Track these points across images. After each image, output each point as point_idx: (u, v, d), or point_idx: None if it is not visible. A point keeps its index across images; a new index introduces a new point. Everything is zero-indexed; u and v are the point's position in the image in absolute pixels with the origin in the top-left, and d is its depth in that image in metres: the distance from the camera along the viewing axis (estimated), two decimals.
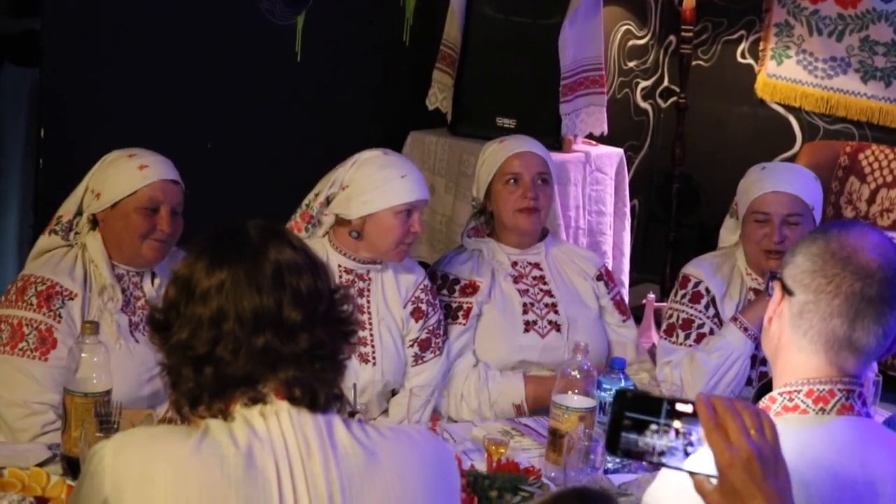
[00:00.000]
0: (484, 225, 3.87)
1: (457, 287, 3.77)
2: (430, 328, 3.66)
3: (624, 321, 3.89)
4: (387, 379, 3.57)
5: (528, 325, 3.75)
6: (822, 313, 2.02)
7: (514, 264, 3.81)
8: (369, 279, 3.59)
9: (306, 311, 1.95)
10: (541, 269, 3.84)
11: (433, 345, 3.65)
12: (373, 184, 3.48)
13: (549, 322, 3.73)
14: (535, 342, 3.71)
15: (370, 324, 3.55)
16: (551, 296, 3.80)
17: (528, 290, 3.79)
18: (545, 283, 3.82)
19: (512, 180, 3.75)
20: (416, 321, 3.64)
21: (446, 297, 3.76)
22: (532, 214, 3.75)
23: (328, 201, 3.56)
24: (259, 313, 1.92)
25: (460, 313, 3.75)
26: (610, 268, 4.49)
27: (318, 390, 1.94)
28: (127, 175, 3.25)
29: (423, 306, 3.65)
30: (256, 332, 1.91)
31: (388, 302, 3.62)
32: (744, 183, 3.75)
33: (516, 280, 3.79)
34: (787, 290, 2.06)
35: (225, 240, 2.01)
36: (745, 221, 3.68)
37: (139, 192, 3.23)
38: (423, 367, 3.63)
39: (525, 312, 3.76)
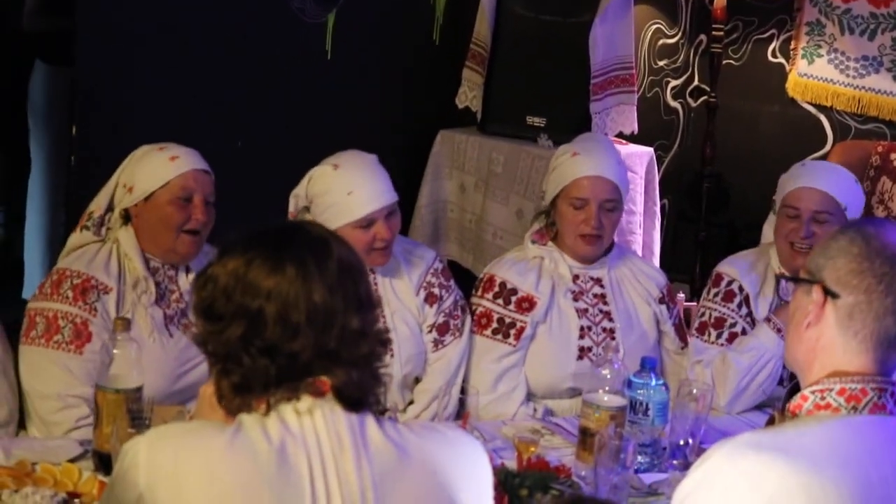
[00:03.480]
0: (547, 228, 3.74)
1: (513, 299, 3.66)
2: (447, 311, 3.64)
3: (682, 348, 3.81)
4: (406, 370, 3.57)
5: (583, 352, 3.65)
6: (875, 313, 2.02)
7: (576, 278, 3.70)
8: (375, 273, 3.58)
9: (365, 316, 1.95)
10: (602, 287, 3.73)
11: (451, 327, 3.63)
12: (325, 204, 3.45)
13: (605, 347, 3.53)
14: (588, 370, 3.46)
15: (383, 316, 3.54)
16: (610, 319, 3.70)
17: (587, 311, 3.68)
18: (605, 304, 3.71)
19: (579, 205, 3.62)
20: (431, 306, 3.63)
21: (500, 307, 3.66)
22: (594, 241, 3.65)
23: (306, 210, 3.56)
24: (329, 309, 1.92)
25: (512, 332, 3.65)
26: None
27: (366, 395, 1.95)
28: (159, 167, 3.26)
29: (436, 290, 3.64)
30: (325, 328, 1.91)
31: (400, 293, 3.60)
32: (783, 178, 3.76)
33: (576, 297, 3.69)
34: (830, 294, 2.05)
35: (288, 235, 2.00)
36: (778, 216, 3.69)
37: (172, 182, 3.25)
38: (443, 352, 3.62)
39: (581, 337, 3.66)
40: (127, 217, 3.31)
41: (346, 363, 1.93)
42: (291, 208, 3.57)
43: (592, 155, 3.68)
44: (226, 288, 1.94)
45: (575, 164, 3.65)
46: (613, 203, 3.64)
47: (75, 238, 3.35)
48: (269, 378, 1.91)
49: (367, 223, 3.44)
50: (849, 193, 3.68)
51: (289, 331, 1.90)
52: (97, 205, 3.35)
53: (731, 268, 3.77)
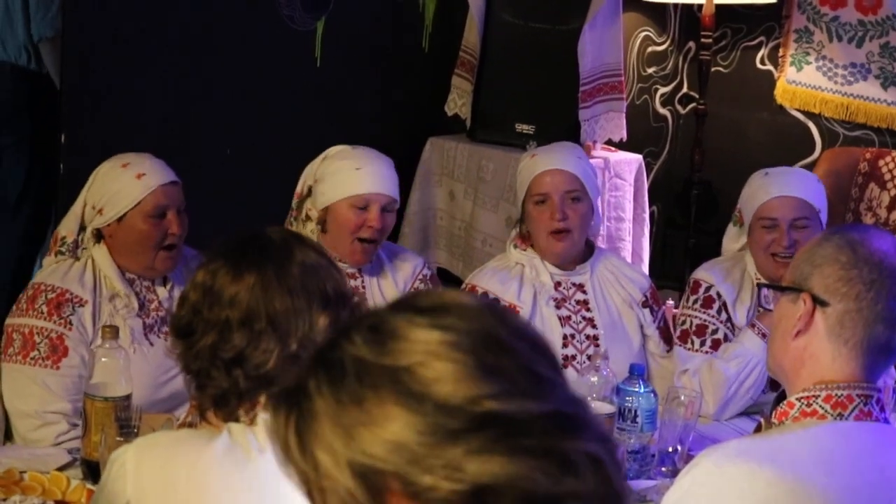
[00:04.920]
0: (524, 236, 3.75)
1: None
2: None
3: (667, 351, 3.79)
4: None
5: (567, 361, 3.63)
6: (866, 320, 2.02)
7: (558, 285, 3.69)
8: (362, 277, 3.59)
9: (334, 313, 1.95)
10: (585, 293, 3.71)
11: None
12: (330, 176, 3.51)
13: (589, 357, 3.53)
14: (573, 379, 3.41)
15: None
16: (594, 326, 3.68)
17: (570, 318, 3.67)
18: (588, 310, 3.70)
19: (541, 200, 3.63)
20: None
21: None
22: (564, 237, 3.63)
23: (309, 193, 3.60)
24: (291, 314, 1.92)
25: None
26: None
27: None
28: (126, 186, 3.23)
29: None
30: (289, 333, 1.92)
31: (387, 296, 3.61)
32: (747, 190, 3.75)
33: (558, 305, 3.67)
34: (819, 302, 2.06)
35: (247, 244, 2.01)
36: (753, 228, 3.68)
37: (143, 200, 3.22)
38: None
39: (565, 346, 3.65)
40: (99, 235, 3.29)
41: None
42: (299, 188, 3.62)
43: (550, 153, 3.73)
44: (195, 304, 1.96)
45: (534, 163, 3.70)
46: (576, 193, 3.63)
47: (49, 262, 3.33)
48: (241, 389, 1.92)
49: (363, 203, 3.47)
50: (819, 195, 3.69)
51: (253, 339, 1.91)
52: (67, 229, 3.32)
53: (708, 274, 3.78)
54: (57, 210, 4.53)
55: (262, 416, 1.91)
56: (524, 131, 5.41)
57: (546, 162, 3.67)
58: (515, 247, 3.75)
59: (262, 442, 1.88)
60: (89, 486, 2.71)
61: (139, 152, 3.36)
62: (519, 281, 3.68)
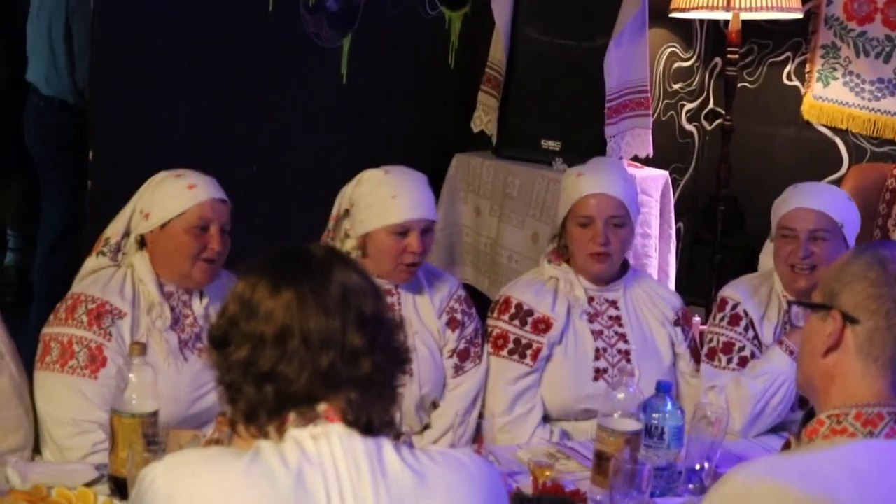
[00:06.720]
0: (560, 251, 3.77)
1: (529, 320, 3.67)
2: (468, 337, 3.66)
3: (697, 371, 3.80)
4: (424, 391, 3.58)
5: (598, 373, 3.66)
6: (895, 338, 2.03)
7: (591, 300, 3.72)
8: (398, 293, 3.60)
9: (369, 335, 1.96)
10: (618, 309, 3.74)
11: (472, 354, 3.65)
12: (367, 203, 3.51)
13: (620, 371, 3.50)
14: (604, 392, 3.41)
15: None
16: (626, 341, 3.71)
17: (602, 332, 3.70)
18: (621, 326, 3.72)
19: (584, 223, 3.66)
20: (453, 331, 3.64)
21: (516, 328, 3.67)
22: (603, 260, 3.66)
23: (346, 214, 3.59)
24: (324, 333, 1.93)
25: (528, 352, 3.66)
26: None
27: (374, 415, 1.95)
28: (176, 195, 3.27)
29: (459, 316, 3.66)
30: (321, 351, 1.92)
31: (422, 314, 3.62)
32: (775, 203, 3.77)
33: (591, 319, 3.70)
34: (849, 319, 2.06)
35: (289, 259, 2.02)
36: (775, 239, 3.70)
37: (189, 211, 3.26)
38: (463, 378, 3.64)
39: (597, 359, 3.67)
40: (142, 242, 3.32)
41: (346, 385, 1.93)
42: (335, 210, 3.62)
43: (596, 174, 3.72)
44: (233, 316, 1.97)
45: (579, 183, 3.69)
46: (619, 219, 3.66)
47: (91, 263, 3.37)
48: (271, 405, 1.92)
49: (402, 230, 3.47)
50: (844, 211, 3.69)
51: (285, 356, 1.91)
52: (113, 230, 3.36)
53: (735, 291, 3.79)
54: (85, 230, 4.55)
55: (291, 433, 1.91)
56: (550, 147, 5.41)
57: (593, 184, 3.68)
58: (549, 262, 3.76)
59: (291, 459, 1.88)
60: (116, 502, 2.71)
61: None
62: (553, 294, 3.70)
